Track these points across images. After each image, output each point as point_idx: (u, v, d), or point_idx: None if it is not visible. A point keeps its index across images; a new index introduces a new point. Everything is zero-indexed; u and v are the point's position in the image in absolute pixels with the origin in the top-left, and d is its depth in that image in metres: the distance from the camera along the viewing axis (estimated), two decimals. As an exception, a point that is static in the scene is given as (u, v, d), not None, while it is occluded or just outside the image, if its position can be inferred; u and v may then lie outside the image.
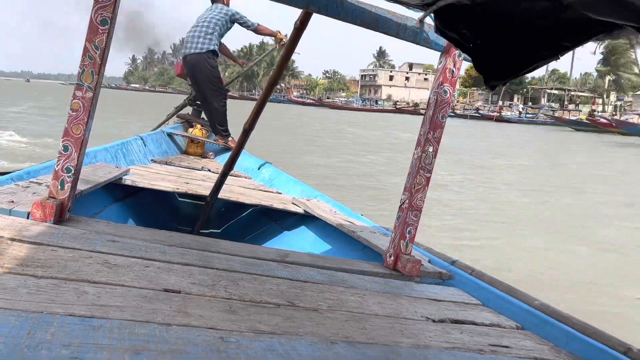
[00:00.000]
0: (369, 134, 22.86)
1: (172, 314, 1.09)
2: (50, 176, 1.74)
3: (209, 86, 4.69)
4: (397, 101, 75.19)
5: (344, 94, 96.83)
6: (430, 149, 1.89)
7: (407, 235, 1.91)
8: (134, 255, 1.46)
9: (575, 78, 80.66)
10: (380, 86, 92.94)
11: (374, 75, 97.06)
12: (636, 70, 64.83)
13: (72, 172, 1.64)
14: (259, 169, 4.02)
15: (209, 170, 3.88)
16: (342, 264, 1.87)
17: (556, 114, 50.67)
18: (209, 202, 2.70)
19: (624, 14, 0.86)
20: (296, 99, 78.60)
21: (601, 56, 66.18)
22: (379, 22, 1.80)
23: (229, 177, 2.92)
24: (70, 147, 1.63)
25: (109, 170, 2.61)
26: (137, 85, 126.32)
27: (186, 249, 1.64)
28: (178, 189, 2.86)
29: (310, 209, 2.76)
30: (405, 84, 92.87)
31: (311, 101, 75.07)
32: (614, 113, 52.97)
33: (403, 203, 1.93)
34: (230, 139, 4.82)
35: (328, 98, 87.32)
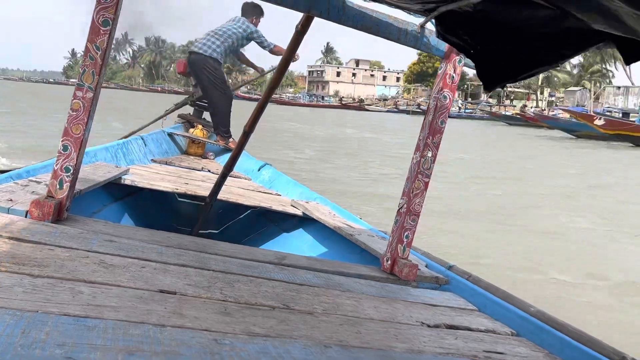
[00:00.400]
0: (314, 129, 23.46)
1: (167, 315, 1.10)
2: (49, 175, 1.74)
3: (212, 87, 4.77)
4: (343, 97, 76.80)
5: (291, 90, 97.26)
6: (429, 154, 1.91)
7: (405, 240, 1.92)
8: (130, 256, 1.46)
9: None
10: (327, 82, 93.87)
11: (322, 71, 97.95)
12: (568, 68, 68.77)
13: (71, 171, 1.65)
14: (259, 170, 4.03)
15: (209, 171, 3.89)
16: (339, 268, 1.88)
17: (493, 109, 53.36)
18: (208, 203, 2.72)
19: (621, 28, 0.89)
20: (243, 94, 78.38)
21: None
22: (379, 27, 1.82)
23: (228, 178, 2.94)
24: (69, 147, 1.64)
25: (108, 170, 2.61)
26: (76, 80, 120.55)
27: (183, 250, 1.64)
28: (177, 189, 2.86)
29: (309, 212, 2.77)
30: (352, 80, 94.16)
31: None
32: (543, 109, 56.23)
33: (401, 207, 1.94)
34: (231, 140, 4.85)
35: (275, 94, 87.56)
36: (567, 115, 34.79)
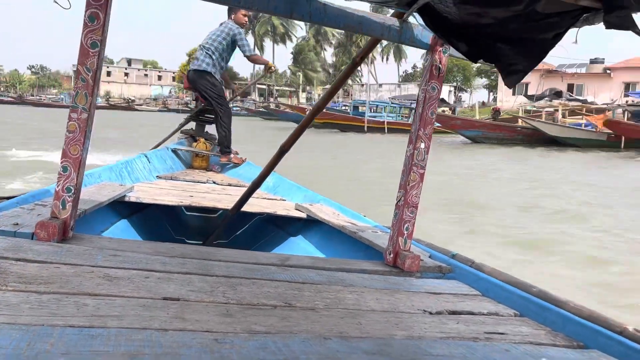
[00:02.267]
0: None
1: (169, 320, 1.11)
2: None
3: (214, 103, 4.83)
4: (110, 97, 75.61)
5: (55, 91, 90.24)
6: (422, 146, 1.92)
7: (405, 232, 1.93)
8: (134, 268, 1.47)
9: (280, 73, 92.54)
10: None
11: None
12: (318, 69, 77.55)
13: (73, 191, 1.67)
14: None
15: (214, 183, 3.94)
16: (342, 265, 1.89)
17: (259, 107, 58.18)
18: (229, 215, 2.78)
19: None
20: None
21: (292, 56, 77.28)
22: (363, 24, 1.83)
23: (234, 188, 3.02)
24: (69, 168, 1.66)
25: (113, 189, 2.64)
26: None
27: (187, 259, 1.65)
28: (181, 202, 2.90)
29: (313, 213, 2.81)
30: (125, 80, 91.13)
31: (10, 99, 68.75)
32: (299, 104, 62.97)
33: (399, 200, 1.95)
34: (232, 155, 4.86)
35: (32, 95, 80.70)
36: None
